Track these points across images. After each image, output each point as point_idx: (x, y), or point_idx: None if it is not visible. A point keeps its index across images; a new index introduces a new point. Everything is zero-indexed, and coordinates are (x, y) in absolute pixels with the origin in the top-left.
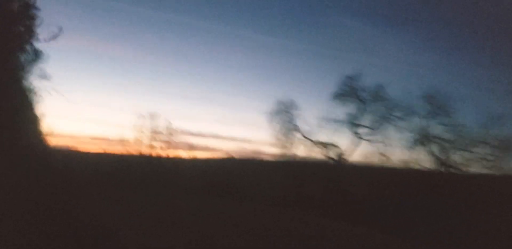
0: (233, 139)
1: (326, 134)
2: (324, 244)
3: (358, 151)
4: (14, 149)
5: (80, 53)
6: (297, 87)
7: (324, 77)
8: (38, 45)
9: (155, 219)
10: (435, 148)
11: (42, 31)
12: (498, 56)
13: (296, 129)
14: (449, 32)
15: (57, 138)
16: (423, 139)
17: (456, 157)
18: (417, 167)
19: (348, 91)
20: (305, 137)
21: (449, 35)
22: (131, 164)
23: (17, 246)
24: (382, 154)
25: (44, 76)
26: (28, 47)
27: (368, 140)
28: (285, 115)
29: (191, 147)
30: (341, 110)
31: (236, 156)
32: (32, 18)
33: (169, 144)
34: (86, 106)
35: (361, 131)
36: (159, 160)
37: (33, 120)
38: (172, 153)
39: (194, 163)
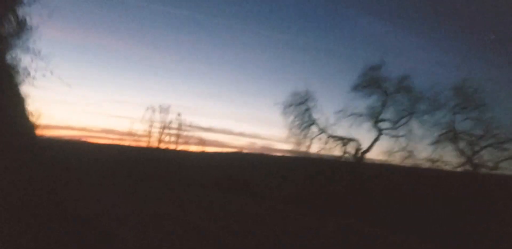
0: (244, 135)
1: (344, 128)
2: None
3: (378, 146)
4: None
5: (98, 50)
6: (313, 80)
7: (343, 69)
8: (23, 14)
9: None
10: (462, 145)
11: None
12: None
13: (312, 122)
14: (482, 19)
15: (69, 130)
16: (449, 135)
17: (486, 155)
18: (442, 165)
19: (370, 82)
20: (321, 130)
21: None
22: (140, 156)
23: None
24: (405, 150)
25: (32, 52)
26: (10, 15)
27: (390, 135)
28: (300, 107)
29: (201, 142)
30: (361, 103)
31: (246, 150)
32: None
33: (179, 137)
34: (101, 100)
35: (382, 125)
36: (167, 152)
37: (19, 102)
38: (182, 147)
39: (203, 156)
